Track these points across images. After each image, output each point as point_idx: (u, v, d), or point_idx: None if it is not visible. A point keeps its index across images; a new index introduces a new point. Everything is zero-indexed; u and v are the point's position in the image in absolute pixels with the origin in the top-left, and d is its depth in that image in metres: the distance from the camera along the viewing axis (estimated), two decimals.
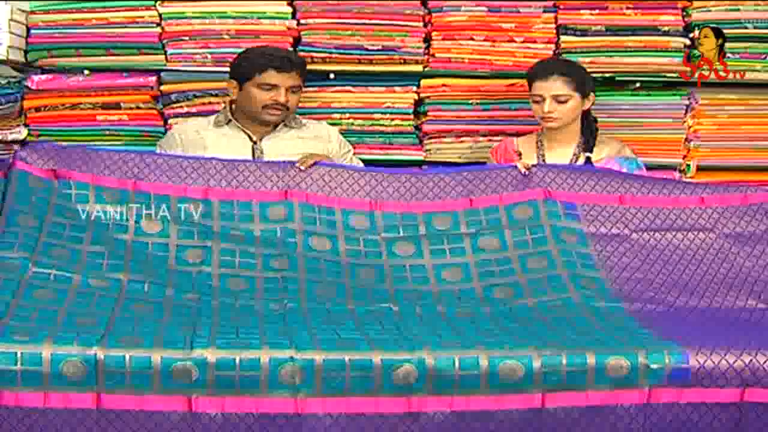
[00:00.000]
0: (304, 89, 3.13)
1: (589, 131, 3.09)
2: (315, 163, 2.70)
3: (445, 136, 3.49)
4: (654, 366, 1.97)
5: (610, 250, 2.56)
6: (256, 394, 1.90)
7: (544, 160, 3.08)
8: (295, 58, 3.11)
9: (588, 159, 3.02)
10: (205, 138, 3.02)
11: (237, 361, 1.90)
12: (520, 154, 3.08)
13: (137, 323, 2.06)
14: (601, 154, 3.06)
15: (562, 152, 3.09)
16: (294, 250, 2.47)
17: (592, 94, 3.06)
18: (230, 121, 3.07)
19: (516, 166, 2.76)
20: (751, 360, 1.99)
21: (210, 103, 3.41)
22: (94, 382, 1.86)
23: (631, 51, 3.42)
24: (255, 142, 3.03)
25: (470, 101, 3.47)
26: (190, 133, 3.06)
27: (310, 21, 3.38)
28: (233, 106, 3.09)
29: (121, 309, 2.14)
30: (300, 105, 3.15)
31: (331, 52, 3.36)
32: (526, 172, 2.73)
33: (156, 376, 1.88)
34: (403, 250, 2.55)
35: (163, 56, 3.39)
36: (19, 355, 1.85)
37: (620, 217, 2.65)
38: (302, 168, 2.67)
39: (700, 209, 2.69)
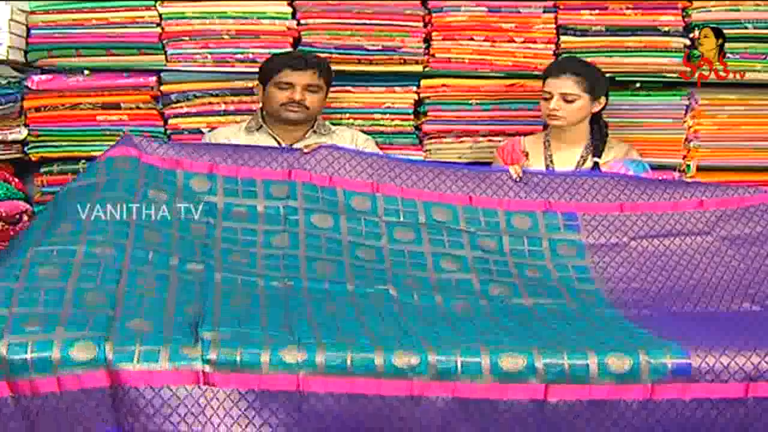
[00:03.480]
0: None
1: (599, 135, 3.07)
2: (319, 147, 2.71)
3: (445, 136, 3.49)
4: (655, 362, 1.96)
5: (608, 260, 2.58)
6: (257, 372, 1.91)
7: (551, 161, 3.08)
8: (314, 58, 3.12)
9: (596, 164, 3.01)
10: (235, 143, 3.03)
11: (239, 358, 1.90)
12: (527, 154, 3.08)
13: (144, 301, 2.06)
14: (608, 157, 3.06)
15: (570, 153, 3.09)
16: (296, 227, 2.48)
17: (603, 97, 3.05)
18: (261, 126, 3.11)
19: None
20: (752, 355, 1.99)
21: (210, 103, 3.42)
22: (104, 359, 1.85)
23: (631, 51, 3.42)
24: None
25: (470, 101, 3.47)
26: (221, 138, 3.10)
27: (310, 21, 3.39)
28: (263, 111, 3.13)
29: (126, 281, 2.12)
30: None
31: (331, 53, 3.36)
32: (518, 179, 2.73)
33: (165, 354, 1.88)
34: (402, 236, 2.56)
35: (163, 56, 3.39)
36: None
37: (620, 226, 2.67)
38: (305, 151, 2.69)
39: (699, 213, 2.70)
